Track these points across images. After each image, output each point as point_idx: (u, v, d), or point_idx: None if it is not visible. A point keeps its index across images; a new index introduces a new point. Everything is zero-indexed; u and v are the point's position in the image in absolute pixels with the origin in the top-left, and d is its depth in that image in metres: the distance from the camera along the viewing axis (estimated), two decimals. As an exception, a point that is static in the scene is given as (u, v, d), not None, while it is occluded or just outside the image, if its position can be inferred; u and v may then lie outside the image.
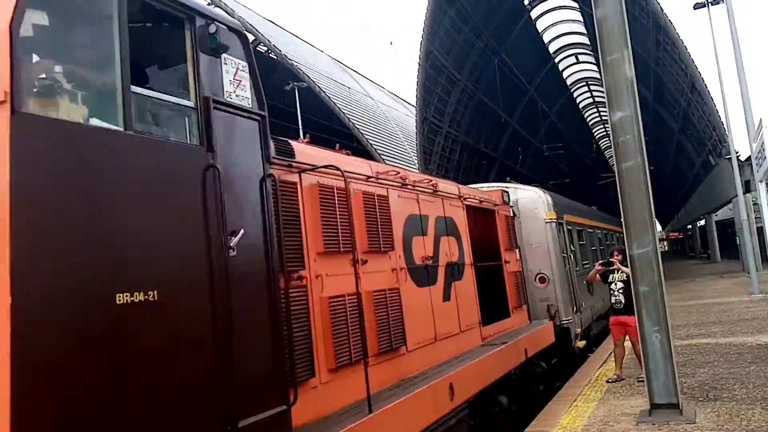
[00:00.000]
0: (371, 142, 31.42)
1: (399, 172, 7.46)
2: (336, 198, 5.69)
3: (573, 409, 8.02)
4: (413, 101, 32.23)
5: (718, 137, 31.47)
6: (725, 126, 26.16)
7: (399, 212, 7.05)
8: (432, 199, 8.19)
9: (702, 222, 52.55)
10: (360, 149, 29.11)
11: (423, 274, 7.37)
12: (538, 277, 12.30)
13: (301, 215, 5.24)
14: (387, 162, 26.18)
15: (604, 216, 24.63)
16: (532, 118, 42.13)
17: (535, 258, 12.34)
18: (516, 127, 41.20)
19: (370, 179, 6.64)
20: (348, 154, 6.79)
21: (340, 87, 34.10)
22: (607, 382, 9.27)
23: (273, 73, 36.10)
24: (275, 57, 32.23)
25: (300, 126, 32.26)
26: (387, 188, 6.93)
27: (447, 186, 9.08)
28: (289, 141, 5.48)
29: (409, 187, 7.56)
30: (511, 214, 11.42)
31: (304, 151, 5.69)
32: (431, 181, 8.40)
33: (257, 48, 35.50)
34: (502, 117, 36.13)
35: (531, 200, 12.88)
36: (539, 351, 10.21)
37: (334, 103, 31.00)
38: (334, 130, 37.00)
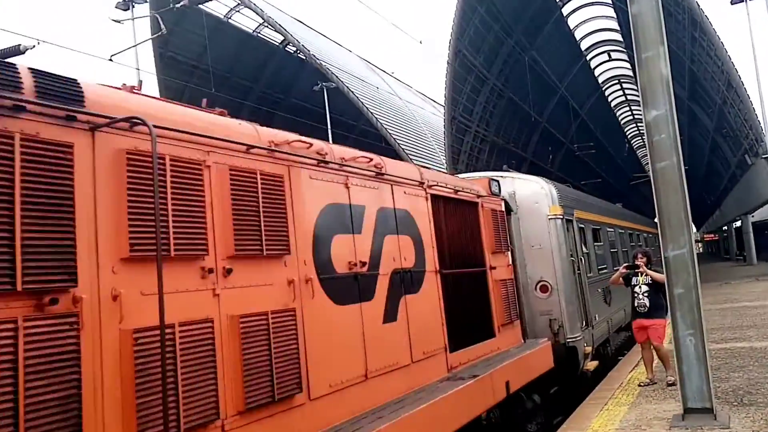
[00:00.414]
0: (399, 141, 31.45)
1: (312, 144, 5.53)
2: (169, 174, 3.94)
3: (604, 412, 7.90)
4: (441, 100, 32.12)
5: (754, 136, 30.77)
6: (762, 124, 25.54)
7: (309, 200, 5.29)
8: (374, 184, 6.33)
9: (738, 223, 51.39)
10: (388, 149, 29.15)
11: (349, 287, 5.61)
12: (539, 286, 10.29)
13: (76, 198, 3.39)
14: (415, 162, 26.08)
15: (630, 214, 23.10)
16: (562, 116, 41.68)
17: (535, 262, 10.36)
18: (546, 126, 40.80)
19: (252, 150, 4.76)
20: (223, 114, 4.97)
21: (368, 87, 34.19)
22: (639, 385, 9.11)
23: (302, 74, 36.43)
24: (304, 57, 32.47)
25: (329, 126, 32.47)
26: (288, 165, 5.12)
27: (401, 169, 7.10)
28: (77, 80, 3.64)
29: (332, 166, 5.71)
30: (502, 208, 9.47)
31: (107, 99, 3.74)
32: (372, 160, 6.41)
33: (286, 48, 35.90)
34: (532, 116, 35.79)
35: (531, 192, 10.78)
36: (530, 381, 8.39)
37: (362, 103, 31.10)
38: (363, 130, 37.18)
